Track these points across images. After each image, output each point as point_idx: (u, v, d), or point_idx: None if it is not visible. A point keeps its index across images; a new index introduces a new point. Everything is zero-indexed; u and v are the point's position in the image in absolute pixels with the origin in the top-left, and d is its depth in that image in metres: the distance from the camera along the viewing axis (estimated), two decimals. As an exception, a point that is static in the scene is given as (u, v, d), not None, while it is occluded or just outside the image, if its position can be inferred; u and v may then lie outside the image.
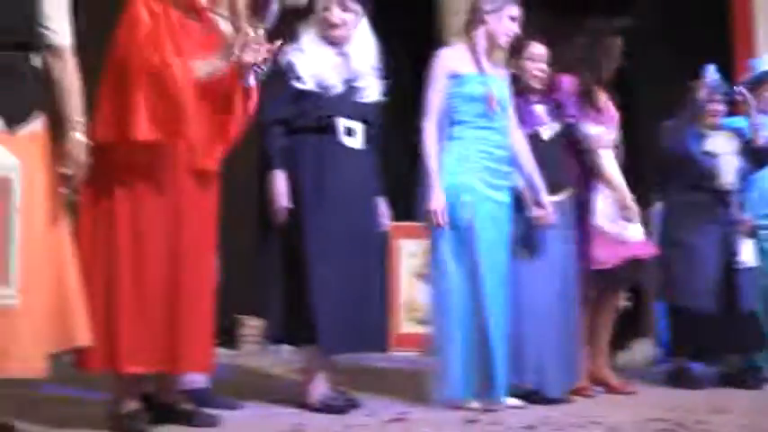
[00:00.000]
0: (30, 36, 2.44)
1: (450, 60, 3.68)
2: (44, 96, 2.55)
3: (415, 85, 3.88)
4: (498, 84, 3.67)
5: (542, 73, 3.97)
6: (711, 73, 4.52)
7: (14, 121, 2.28)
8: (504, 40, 3.70)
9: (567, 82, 4.07)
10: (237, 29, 3.37)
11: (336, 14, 3.63)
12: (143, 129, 2.79)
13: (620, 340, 5.33)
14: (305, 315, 3.43)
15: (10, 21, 2.28)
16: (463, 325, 3.50)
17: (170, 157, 2.94)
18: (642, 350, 5.46)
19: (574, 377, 3.90)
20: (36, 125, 2.45)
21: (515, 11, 3.69)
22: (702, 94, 4.48)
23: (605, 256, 4.00)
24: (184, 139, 2.90)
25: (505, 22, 3.67)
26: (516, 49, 3.92)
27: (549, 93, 4.02)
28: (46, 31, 2.50)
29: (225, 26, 3.30)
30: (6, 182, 1.82)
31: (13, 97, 2.20)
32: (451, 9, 5.78)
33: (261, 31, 3.12)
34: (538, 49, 3.97)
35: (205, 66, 2.94)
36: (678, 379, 4.44)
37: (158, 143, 2.86)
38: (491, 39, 3.68)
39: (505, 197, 3.64)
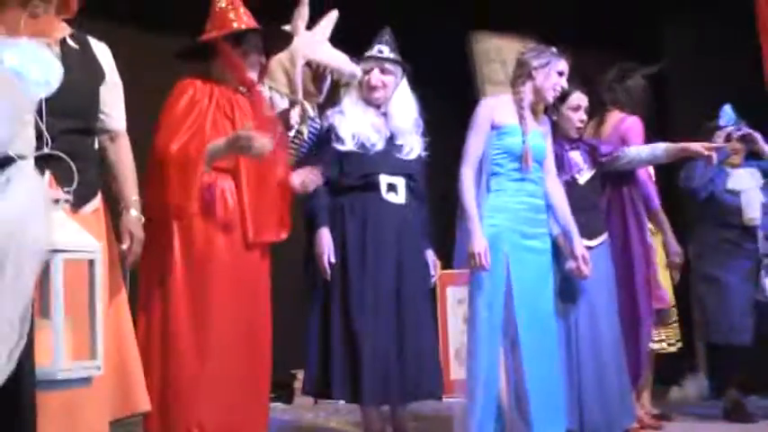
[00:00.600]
0: (92, 121, 2.60)
1: (494, 111, 3.67)
2: (103, 176, 2.72)
3: (455, 134, 4.01)
4: (538, 138, 3.70)
5: (582, 123, 4.07)
6: (727, 113, 4.63)
7: (81, 200, 2.44)
8: (551, 96, 3.70)
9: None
10: (293, 103, 3.59)
11: (376, 77, 3.80)
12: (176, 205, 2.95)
13: (672, 376, 5.39)
14: (350, 369, 3.54)
15: (77, 108, 2.44)
16: (493, 370, 3.48)
17: (225, 230, 3.07)
18: (695, 386, 5.48)
19: (628, 418, 3.89)
20: (96, 203, 2.59)
21: (563, 65, 3.69)
22: (720, 136, 4.56)
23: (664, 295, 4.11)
24: (188, 218, 2.99)
25: (553, 78, 3.67)
26: (558, 98, 3.99)
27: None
28: (103, 117, 2.67)
29: (279, 101, 3.50)
30: (92, 262, 1.97)
31: (80, 178, 2.35)
32: (488, 57, 5.91)
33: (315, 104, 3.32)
34: (580, 100, 4.05)
35: (260, 140, 3.04)
36: (732, 413, 4.45)
37: (209, 218, 3.01)
38: (538, 94, 3.67)
39: (544, 245, 3.66)
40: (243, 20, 3.18)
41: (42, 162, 2.15)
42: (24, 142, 1.85)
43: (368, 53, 3.84)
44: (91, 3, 2.61)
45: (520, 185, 3.60)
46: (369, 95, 3.82)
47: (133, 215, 2.72)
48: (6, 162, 1.80)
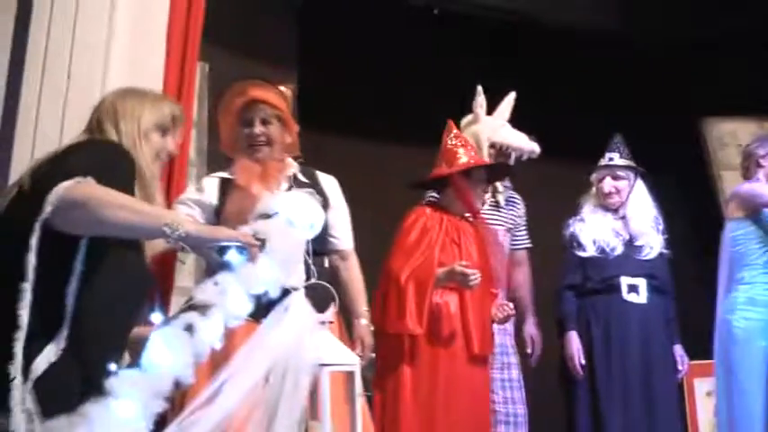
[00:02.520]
0: (322, 244, 3.00)
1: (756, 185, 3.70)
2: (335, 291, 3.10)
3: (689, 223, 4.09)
4: None
5: None
6: None
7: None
8: None
9: None
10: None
11: (609, 184, 4.03)
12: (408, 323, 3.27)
13: None
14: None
15: (315, 238, 2.83)
16: None
17: (449, 344, 3.33)
18: None
19: None
20: (329, 315, 2.95)
21: None
22: None
23: None
24: (405, 333, 3.27)
25: None
26: None
27: None
28: (332, 239, 3.10)
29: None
30: (352, 374, 2.36)
31: (317, 293, 2.77)
32: (721, 142, 5.91)
33: None
34: None
35: (473, 276, 3.32)
36: None
37: (437, 333, 3.30)
38: None
39: None
40: (471, 156, 3.55)
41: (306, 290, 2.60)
42: (297, 276, 2.28)
43: (600, 162, 4.09)
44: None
45: None
46: (604, 201, 4.06)
47: (363, 324, 3.11)
48: (285, 293, 2.24)
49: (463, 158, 3.55)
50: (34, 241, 1.85)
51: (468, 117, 4.03)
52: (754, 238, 3.65)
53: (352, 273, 3.18)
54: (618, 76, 5.68)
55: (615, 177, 4.05)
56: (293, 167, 3.10)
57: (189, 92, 3.25)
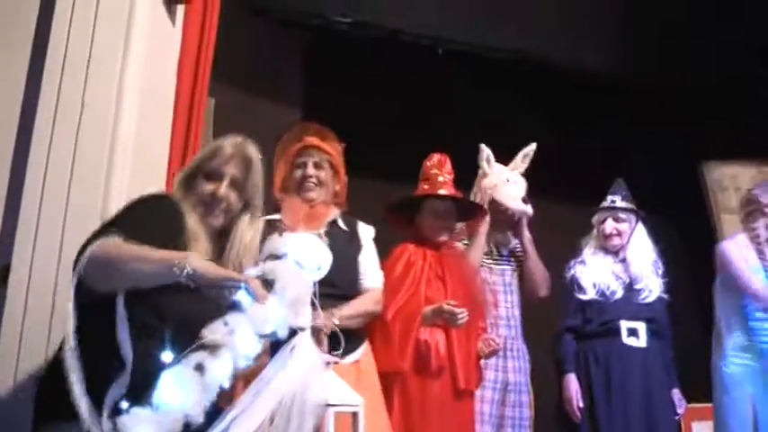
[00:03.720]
0: (351, 288, 3.11)
1: (740, 250, 3.79)
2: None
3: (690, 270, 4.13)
4: None
5: None
6: None
7: (343, 353, 2.90)
8: None
9: None
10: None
11: (610, 226, 4.06)
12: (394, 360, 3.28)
13: None
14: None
15: (341, 279, 2.95)
16: None
17: (436, 379, 3.34)
18: None
19: None
20: (357, 354, 3.06)
21: None
22: None
23: None
24: (392, 370, 3.26)
25: None
26: None
27: None
28: (362, 279, 3.17)
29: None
30: (355, 414, 2.37)
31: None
32: (721, 185, 5.96)
33: None
34: None
35: (460, 314, 3.34)
36: None
37: (424, 369, 3.31)
38: None
39: None
40: (440, 185, 3.58)
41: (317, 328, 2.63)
42: (304, 317, 2.30)
43: (602, 204, 4.13)
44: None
45: (764, 325, 3.66)
46: (605, 243, 4.09)
47: (330, 316, 2.99)
48: (292, 333, 2.26)
49: (425, 187, 3.62)
50: (71, 303, 1.98)
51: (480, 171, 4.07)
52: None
53: (364, 295, 3.17)
54: (619, 118, 5.75)
55: (617, 219, 4.08)
56: (335, 214, 3.22)
57: (197, 127, 3.29)
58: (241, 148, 2.41)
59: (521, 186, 4.00)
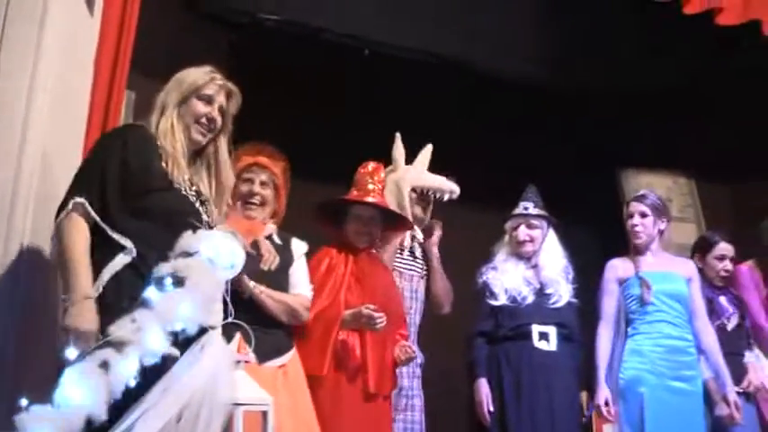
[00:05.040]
0: None
1: (617, 269, 4.02)
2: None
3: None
4: (675, 281, 3.91)
5: (727, 273, 4.23)
6: None
7: (265, 357, 2.93)
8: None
9: (745, 275, 4.28)
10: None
11: (523, 232, 4.13)
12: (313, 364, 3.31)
13: None
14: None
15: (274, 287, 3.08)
16: None
17: (351, 381, 3.38)
18: None
19: None
20: (283, 359, 3.12)
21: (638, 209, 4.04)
22: None
23: None
24: (321, 373, 3.32)
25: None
26: (703, 248, 4.19)
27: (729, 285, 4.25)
28: (292, 290, 3.24)
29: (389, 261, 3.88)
30: (265, 413, 2.37)
31: (266, 339, 2.90)
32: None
33: None
34: (726, 250, 4.25)
35: (378, 319, 3.38)
36: None
37: (340, 370, 3.35)
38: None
39: (693, 387, 3.78)
40: (367, 193, 3.63)
41: (234, 328, 2.65)
42: (214, 316, 2.29)
43: (514, 211, 4.20)
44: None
45: (657, 327, 3.81)
46: (518, 250, 4.15)
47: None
48: (202, 332, 2.25)
49: (353, 192, 3.65)
50: None
51: (391, 166, 4.10)
52: (629, 298, 3.90)
53: (294, 294, 3.25)
54: (537, 123, 5.85)
55: (530, 226, 4.15)
56: (271, 229, 3.37)
57: (114, 120, 3.24)
58: (226, 81, 2.75)
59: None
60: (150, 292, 2.10)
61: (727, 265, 4.25)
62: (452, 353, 4.16)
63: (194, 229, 2.37)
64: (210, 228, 2.49)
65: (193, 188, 2.59)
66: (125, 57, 3.27)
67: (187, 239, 2.29)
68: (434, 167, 4.16)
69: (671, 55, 5.56)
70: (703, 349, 3.88)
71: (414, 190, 4.03)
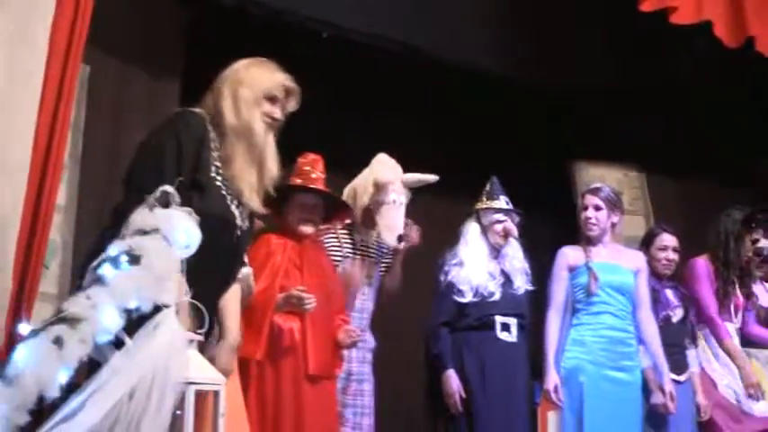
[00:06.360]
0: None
1: (568, 257, 4.07)
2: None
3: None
4: (621, 272, 4.00)
5: (669, 262, 4.30)
6: None
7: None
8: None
9: (701, 267, 4.38)
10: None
11: (509, 226, 4.24)
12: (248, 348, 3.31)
13: None
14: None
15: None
16: None
17: (291, 364, 3.44)
18: None
19: None
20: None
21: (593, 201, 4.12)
22: None
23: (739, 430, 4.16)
24: (257, 358, 3.37)
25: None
26: (647, 239, 4.28)
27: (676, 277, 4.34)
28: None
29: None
30: (217, 393, 2.37)
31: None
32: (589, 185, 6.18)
33: None
34: (668, 240, 4.32)
35: (308, 300, 3.45)
36: None
37: (278, 354, 3.41)
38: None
39: (631, 377, 3.88)
40: (311, 180, 3.66)
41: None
42: (169, 294, 2.28)
43: (493, 204, 4.22)
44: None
45: (600, 319, 3.89)
46: (496, 242, 4.21)
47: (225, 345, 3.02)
48: (156, 310, 2.24)
49: (297, 180, 3.68)
50: None
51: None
52: (576, 286, 3.96)
53: (233, 300, 3.09)
54: (493, 114, 5.89)
55: (510, 220, 4.19)
56: None
57: (69, 94, 3.18)
58: (295, 88, 2.91)
59: (402, 211, 4.01)
60: (105, 270, 2.09)
61: (669, 254, 4.34)
62: (409, 340, 4.20)
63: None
64: None
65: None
66: (82, 29, 3.21)
67: (143, 217, 2.28)
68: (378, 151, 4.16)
69: (625, 51, 5.63)
70: (644, 339, 3.96)
71: (375, 185, 4.03)
